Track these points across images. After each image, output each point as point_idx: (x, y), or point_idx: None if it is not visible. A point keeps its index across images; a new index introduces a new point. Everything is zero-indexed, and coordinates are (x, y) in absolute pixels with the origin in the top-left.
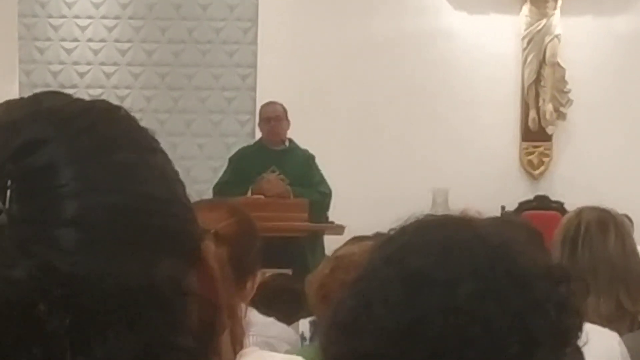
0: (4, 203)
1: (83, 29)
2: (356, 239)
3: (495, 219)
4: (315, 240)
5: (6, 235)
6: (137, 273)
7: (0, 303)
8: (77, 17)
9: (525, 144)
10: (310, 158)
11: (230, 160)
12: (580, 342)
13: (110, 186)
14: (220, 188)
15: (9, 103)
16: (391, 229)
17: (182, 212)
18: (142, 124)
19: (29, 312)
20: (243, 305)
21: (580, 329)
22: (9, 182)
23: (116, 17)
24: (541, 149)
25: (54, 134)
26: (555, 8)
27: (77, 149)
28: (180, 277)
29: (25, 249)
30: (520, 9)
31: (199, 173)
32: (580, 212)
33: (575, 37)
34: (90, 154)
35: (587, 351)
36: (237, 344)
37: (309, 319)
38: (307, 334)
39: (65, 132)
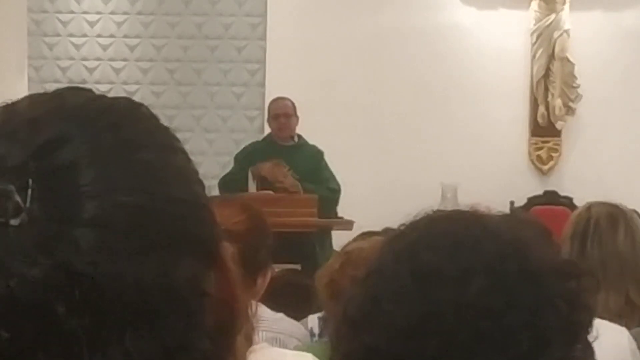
0: (24, 202)
1: (92, 24)
2: (365, 235)
3: (505, 215)
4: (324, 235)
5: (26, 233)
6: (156, 274)
7: (19, 302)
8: (86, 12)
9: (534, 139)
10: (320, 154)
11: (236, 158)
12: (590, 338)
13: (131, 186)
14: (225, 182)
15: (31, 98)
16: (401, 225)
17: (202, 213)
18: None
19: (47, 312)
20: (253, 302)
21: (590, 324)
22: (30, 181)
23: (125, 13)
24: (550, 144)
25: (76, 133)
26: (564, 3)
27: (99, 148)
28: (199, 278)
29: (44, 248)
30: (529, 4)
31: (208, 169)
32: (589, 207)
33: (584, 32)
34: (112, 153)
35: (597, 346)
36: (247, 341)
37: (318, 314)
38: (316, 330)
39: (88, 130)
